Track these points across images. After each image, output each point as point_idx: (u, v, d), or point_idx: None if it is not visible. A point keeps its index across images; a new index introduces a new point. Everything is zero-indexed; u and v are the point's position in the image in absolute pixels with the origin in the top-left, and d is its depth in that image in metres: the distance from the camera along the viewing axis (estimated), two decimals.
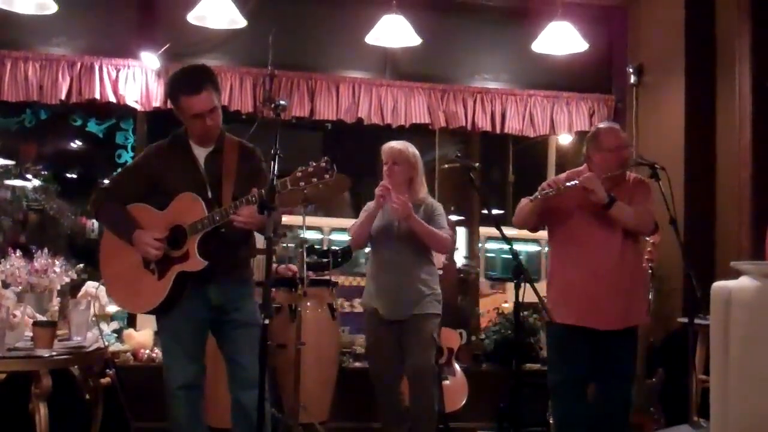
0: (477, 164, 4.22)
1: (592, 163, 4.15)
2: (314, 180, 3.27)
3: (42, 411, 3.55)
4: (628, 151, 4.21)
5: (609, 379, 4.10)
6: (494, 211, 4.52)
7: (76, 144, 6.87)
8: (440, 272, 4.90)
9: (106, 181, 3.71)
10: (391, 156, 4.57)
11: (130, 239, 3.52)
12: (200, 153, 3.62)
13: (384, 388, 4.53)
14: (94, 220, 6.71)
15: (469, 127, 6.20)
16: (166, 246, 3.49)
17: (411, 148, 4.62)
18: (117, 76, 5.65)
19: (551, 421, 4.85)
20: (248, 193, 3.37)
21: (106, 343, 4.39)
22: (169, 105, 3.65)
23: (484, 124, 6.19)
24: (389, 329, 4.52)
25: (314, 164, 3.27)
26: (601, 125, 4.33)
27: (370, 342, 4.65)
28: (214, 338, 3.73)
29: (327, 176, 3.26)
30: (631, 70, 6.25)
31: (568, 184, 3.99)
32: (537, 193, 4.01)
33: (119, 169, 3.74)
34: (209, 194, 3.53)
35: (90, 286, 4.63)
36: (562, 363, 4.14)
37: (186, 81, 3.52)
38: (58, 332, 3.90)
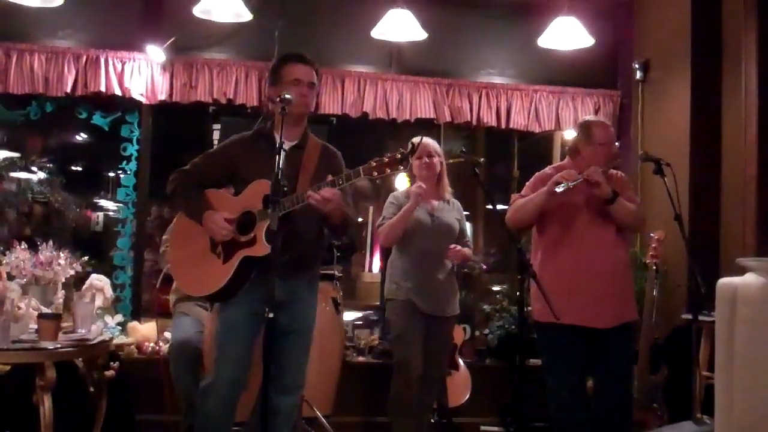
0: (482, 159, 4.24)
1: (580, 156, 4.10)
2: (387, 171, 3.25)
3: (46, 403, 3.56)
4: (615, 147, 4.17)
5: (609, 376, 4.07)
6: (499, 207, 4.49)
7: (81, 137, 6.86)
8: None
9: (187, 165, 3.69)
10: (427, 149, 4.60)
11: (201, 219, 3.51)
12: (284, 145, 3.54)
13: (408, 378, 4.44)
14: (99, 212, 6.72)
15: (474, 122, 6.20)
16: (235, 230, 3.47)
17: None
18: (122, 69, 5.66)
19: None
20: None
21: (111, 336, 4.41)
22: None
23: (489, 119, 6.19)
24: (421, 321, 4.52)
25: (390, 155, 3.26)
26: (590, 118, 4.30)
27: (401, 331, 4.54)
28: None
29: (401, 167, 3.25)
30: (636, 66, 6.25)
31: (578, 177, 3.91)
32: (555, 188, 3.88)
33: (200, 155, 3.69)
34: (284, 186, 3.46)
35: (95, 278, 4.65)
36: (563, 365, 4.06)
37: (295, 53, 3.63)
38: (63, 325, 3.91)
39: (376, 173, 3.27)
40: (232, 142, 3.73)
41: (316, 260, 3.76)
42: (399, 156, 3.25)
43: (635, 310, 4.24)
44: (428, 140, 4.65)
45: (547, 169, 4.23)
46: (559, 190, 3.89)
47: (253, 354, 3.58)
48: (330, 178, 3.36)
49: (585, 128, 4.13)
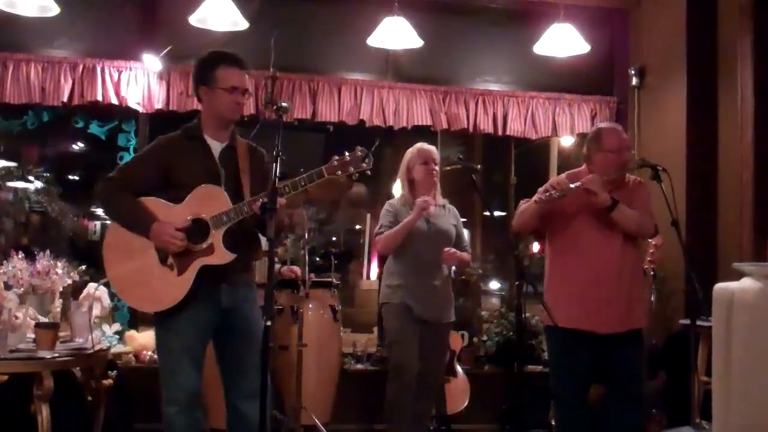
0: (479, 166, 4.24)
1: (593, 163, 4.12)
2: (351, 169, 3.26)
3: (44, 412, 3.56)
4: (629, 153, 4.16)
5: (616, 383, 4.06)
6: (496, 214, 4.49)
7: (78, 146, 6.86)
8: None
9: (113, 172, 3.53)
10: (432, 156, 4.64)
11: (147, 233, 3.35)
12: (215, 147, 3.52)
13: (405, 382, 4.43)
14: (96, 221, 6.72)
15: (470, 129, 6.20)
16: (187, 240, 3.34)
17: None
18: (119, 78, 5.66)
19: (553, 423, 4.85)
20: (263, 191, 3.29)
21: (108, 345, 4.40)
22: (191, 85, 3.61)
23: (485, 126, 6.19)
24: (417, 325, 4.52)
25: (350, 153, 3.27)
26: (603, 125, 4.30)
27: (397, 334, 4.53)
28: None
29: (364, 165, 3.26)
30: (632, 72, 6.26)
31: (572, 185, 3.95)
32: (540, 195, 3.96)
33: (127, 159, 3.60)
34: (223, 188, 3.43)
35: (92, 287, 4.64)
36: (565, 368, 4.09)
37: (231, 55, 3.52)
38: (60, 334, 3.91)
39: (339, 172, 3.27)
40: (160, 144, 3.56)
41: (252, 262, 3.70)
42: (359, 153, 3.27)
43: (644, 318, 4.20)
44: (431, 147, 4.69)
45: (563, 175, 4.25)
46: (536, 199, 3.96)
47: (204, 358, 3.51)
48: (306, 174, 3.34)
49: (596, 135, 4.15)
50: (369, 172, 3.33)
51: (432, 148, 4.69)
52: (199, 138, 3.52)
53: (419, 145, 4.71)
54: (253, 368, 3.35)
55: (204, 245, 3.35)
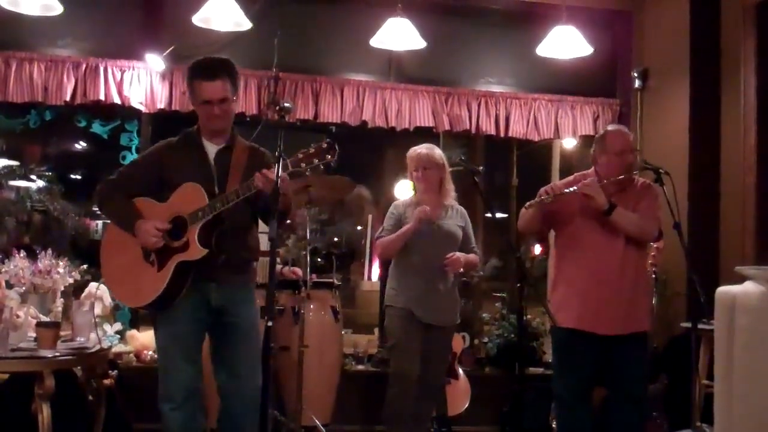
0: (481, 168, 4.24)
1: (598, 165, 4.15)
2: (316, 161, 3.24)
3: (45, 411, 3.55)
4: (632, 156, 4.17)
5: (617, 385, 4.08)
6: (498, 215, 4.47)
7: (80, 145, 6.86)
8: None
9: (113, 174, 3.67)
10: (420, 161, 4.59)
11: (132, 229, 3.47)
12: (211, 149, 3.59)
13: (404, 388, 4.43)
14: (98, 220, 6.72)
15: (473, 130, 6.19)
16: (167, 236, 3.43)
17: (437, 151, 4.67)
18: (122, 78, 5.66)
19: (554, 426, 4.85)
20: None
21: (109, 344, 4.40)
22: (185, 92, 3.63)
23: (488, 127, 6.19)
24: (420, 330, 4.50)
25: (316, 145, 3.26)
26: (610, 127, 4.32)
27: (399, 340, 4.52)
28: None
29: (329, 156, 3.23)
30: (635, 75, 6.25)
31: (566, 190, 3.99)
32: (536, 199, 3.99)
33: (129, 159, 3.69)
34: (216, 189, 3.48)
35: (93, 287, 4.64)
36: (565, 368, 4.12)
37: (204, 66, 3.52)
38: (62, 333, 3.91)
39: (303, 165, 3.26)
40: (159, 147, 3.69)
41: (249, 262, 3.73)
42: (325, 145, 3.26)
43: (648, 321, 4.19)
44: (424, 152, 4.61)
45: (572, 177, 4.28)
46: (528, 204, 4.01)
47: (200, 357, 3.57)
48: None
49: (601, 137, 4.20)
50: (333, 164, 3.30)
51: (426, 152, 4.60)
52: (195, 141, 3.61)
53: (413, 151, 4.64)
54: (246, 370, 3.43)
55: (181, 242, 3.42)
